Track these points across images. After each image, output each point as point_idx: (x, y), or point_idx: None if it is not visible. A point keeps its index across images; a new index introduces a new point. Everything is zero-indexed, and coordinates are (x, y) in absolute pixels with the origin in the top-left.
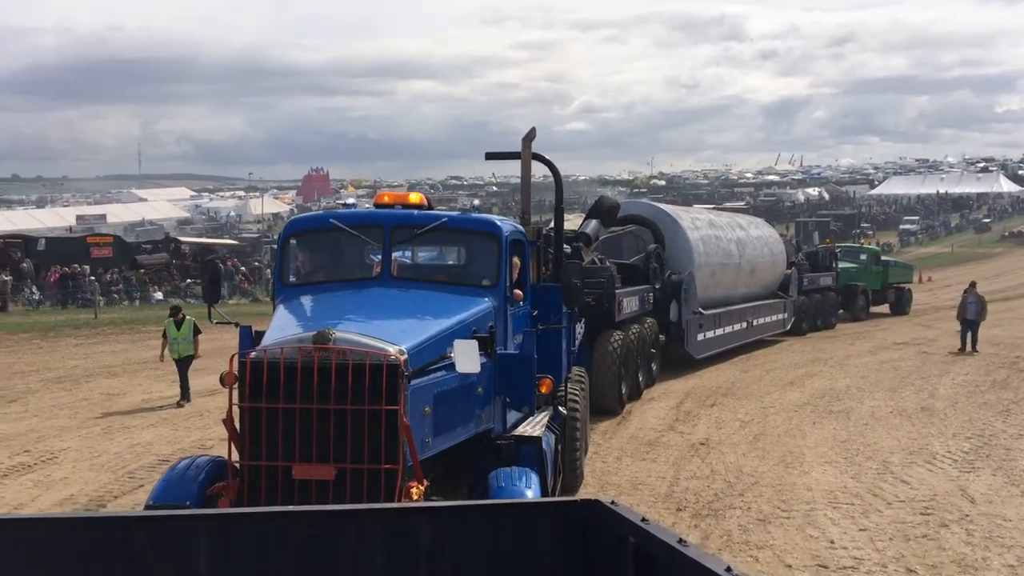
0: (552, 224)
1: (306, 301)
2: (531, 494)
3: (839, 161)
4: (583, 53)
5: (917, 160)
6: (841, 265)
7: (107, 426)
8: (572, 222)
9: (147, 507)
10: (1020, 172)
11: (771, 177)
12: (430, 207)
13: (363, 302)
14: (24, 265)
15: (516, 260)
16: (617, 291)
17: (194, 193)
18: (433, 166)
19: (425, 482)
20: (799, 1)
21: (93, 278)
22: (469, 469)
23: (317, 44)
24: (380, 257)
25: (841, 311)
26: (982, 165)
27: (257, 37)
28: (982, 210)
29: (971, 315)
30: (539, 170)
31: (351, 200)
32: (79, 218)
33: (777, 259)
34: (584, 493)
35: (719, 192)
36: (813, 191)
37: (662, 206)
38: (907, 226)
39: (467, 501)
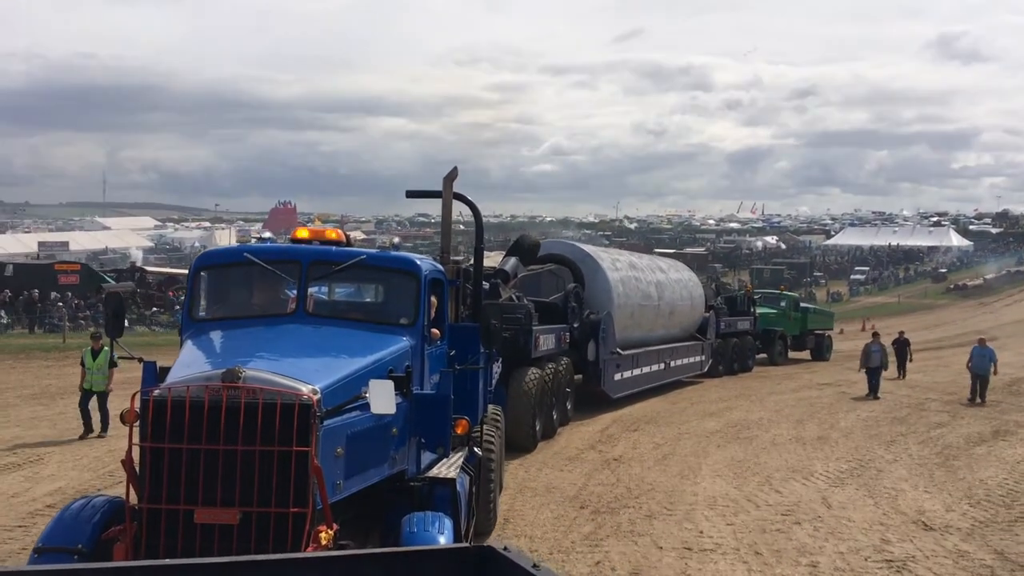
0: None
1: (215, 337)
2: (443, 539)
3: (798, 211)
4: (553, 97)
5: (874, 212)
6: (760, 310)
7: (114, 430)
8: (492, 259)
9: (36, 550)
10: (971, 228)
11: (732, 224)
12: (348, 243)
13: (276, 339)
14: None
15: (434, 299)
16: (534, 328)
17: (158, 223)
18: (402, 203)
19: (335, 526)
20: (764, 54)
21: (61, 304)
22: (382, 512)
23: (288, 78)
24: (295, 293)
25: (761, 355)
26: (935, 219)
27: (228, 69)
28: (931, 263)
29: (875, 363)
30: (510, 210)
31: (267, 234)
32: (41, 244)
33: (696, 302)
34: (505, 496)
35: (681, 237)
36: (771, 239)
37: (583, 246)
38: (857, 276)
39: (359, 549)
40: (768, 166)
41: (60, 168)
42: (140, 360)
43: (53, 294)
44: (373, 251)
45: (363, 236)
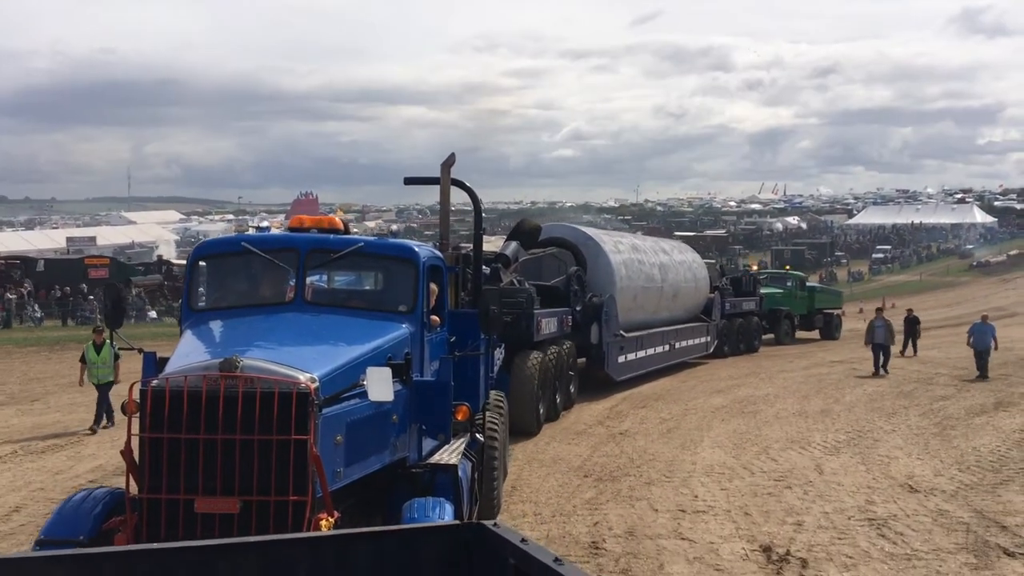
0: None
1: (214, 327)
2: None
3: (820, 191)
4: (573, 81)
5: (897, 191)
6: (766, 290)
7: (121, 420)
8: (493, 244)
9: (38, 542)
10: (996, 204)
11: (754, 206)
12: (347, 231)
13: (274, 328)
14: (25, 285)
15: (434, 286)
16: (536, 312)
17: (183, 216)
18: (422, 191)
19: (336, 514)
20: (785, 33)
21: (92, 297)
22: (384, 498)
23: (308, 69)
24: (294, 281)
25: (769, 335)
26: (959, 196)
27: (248, 61)
28: (954, 240)
29: (879, 339)
30: (530, 196)
31: (265, 223)
32: (69, 240)
33: (700, 284)
34: (513, 467)
35: (702, 220)
36: (792, 220)
37: (585, 229)
38: (879, 255)
39: (348, 530)
40: (790, 146)
41: (85, 164)
42: (140, 351)
43: (83, 287)
44: (371, 238)
45: (368, 224)
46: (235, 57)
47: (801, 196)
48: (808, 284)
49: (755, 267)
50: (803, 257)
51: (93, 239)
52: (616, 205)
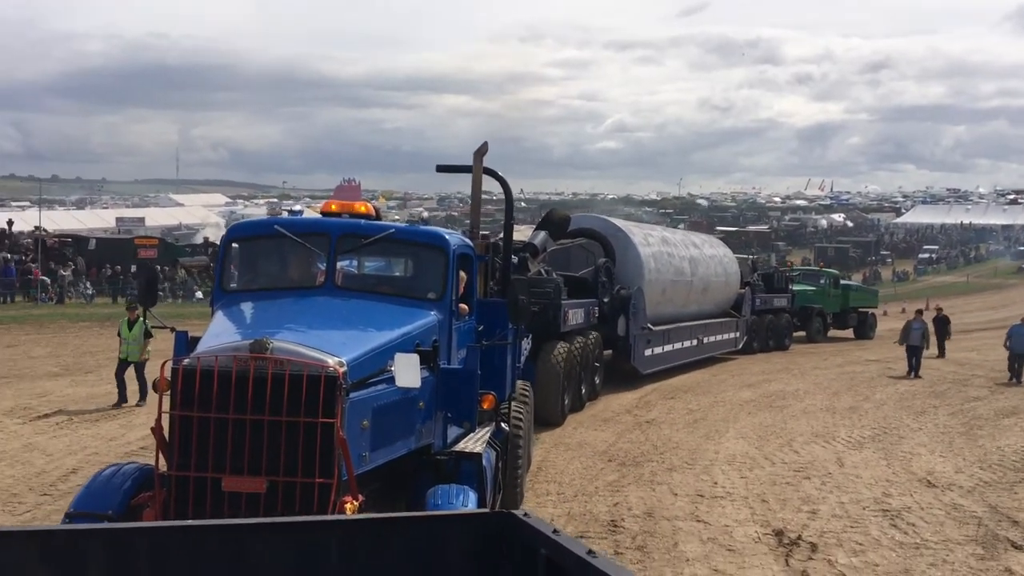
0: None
1: (245, 308)
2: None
3: (868, 188)
4: (617, 73)
5: (948, 190)
6: (798, 288)
7: (153, 398)
8: (522, 233)
9: (67, 515)
10: None
11: (799, 202)
12: (378, 217)
13: (304, 311)
14: (78, 262)
15: (463, 274)
16: (563, 302)
17: (229, 199)
18: (464, 180)
19: (360, 497)
20: (835, 27)
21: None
22: (408, 484)
23: (353, 56)
24: (324, 266)
25: (800, 333)
26: (1012, 197)
27: (295, 48)
28: (1004, 242)
29: (915, 341)
30: (572, 187)
31: (298, 207)
32: (119, 220)
33: (731, 278)
34: (539, 450)
35: (745, 215)
36: (838, 217)
37: (615, 221)
38: (925, 255)
39: (380, 515)
40: (840, 142)
41: (135, 145)
42: (172, 330)
43: (133, 267)
44: (402, 225)
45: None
46: (282, 43)
47: (848, 193)
48: (842, 282)
49: (789, 263)
50: (847, 255)
51: (142, 220)
52: (658, 198)
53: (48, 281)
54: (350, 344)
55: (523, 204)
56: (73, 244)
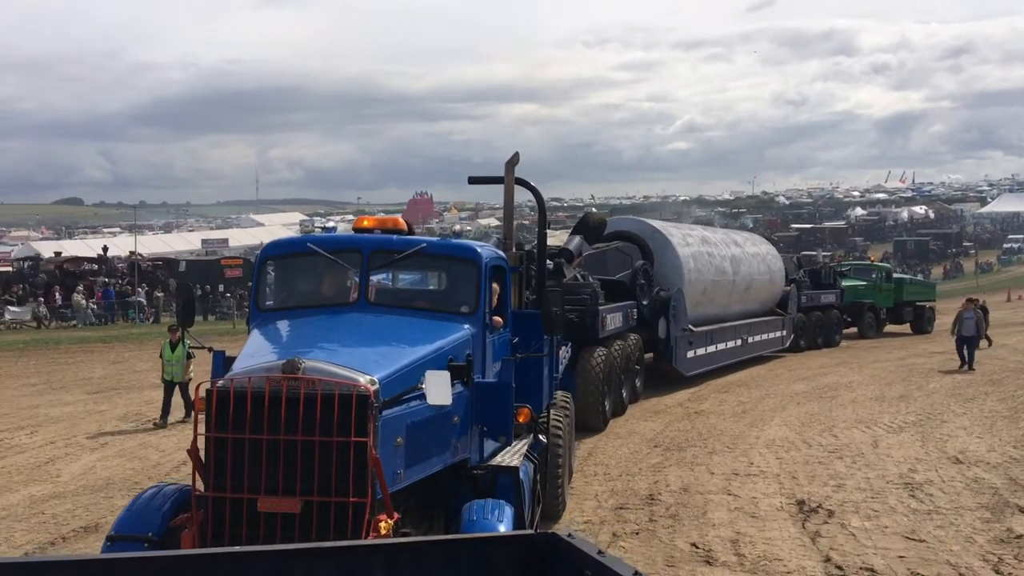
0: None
1: (279, 327)
2: (503, 527)
3: (951, 178)
4: (686, 72)
5: None
6: (848, 283)
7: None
8: (558, 238)
9: (109, 538)
10: None
11: (879, 195)
12: (411, 232)
13: (336, 329)
14: (169, 284)
15: (496, 286)
16: (600, 308)
17: (305, 217)
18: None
19: (396, 515)
20: (911, 13)
21: (228, 295)
22: (445, 500)
23: (420, 71)
24: (357, 282)
25: (851, 329)
26: None
27: (363, 66)
28: None
29: (968, 331)
30: (643, 190)
31: (331, 223)
32: (204, 242)
33: (775, 276)
34: (590, 439)
35: (822, 211)
36: (919, 209)
37: (652, 222)
38: (1011, 244)
39: (423, 536)
40: (921, 131)
41: (216, 169)
42: (210, 350)
43: (220, 287)
44: (434, 239)
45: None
46: (351, 62)
47: (931, 184)
48: (896, 276)
49: (840, 258)
50: (927, 248)
51: (225, 240)
52: (731, 197)
53: (144, 302)
54: (382, 361)
55: (594, 210)
56: (165, 266)
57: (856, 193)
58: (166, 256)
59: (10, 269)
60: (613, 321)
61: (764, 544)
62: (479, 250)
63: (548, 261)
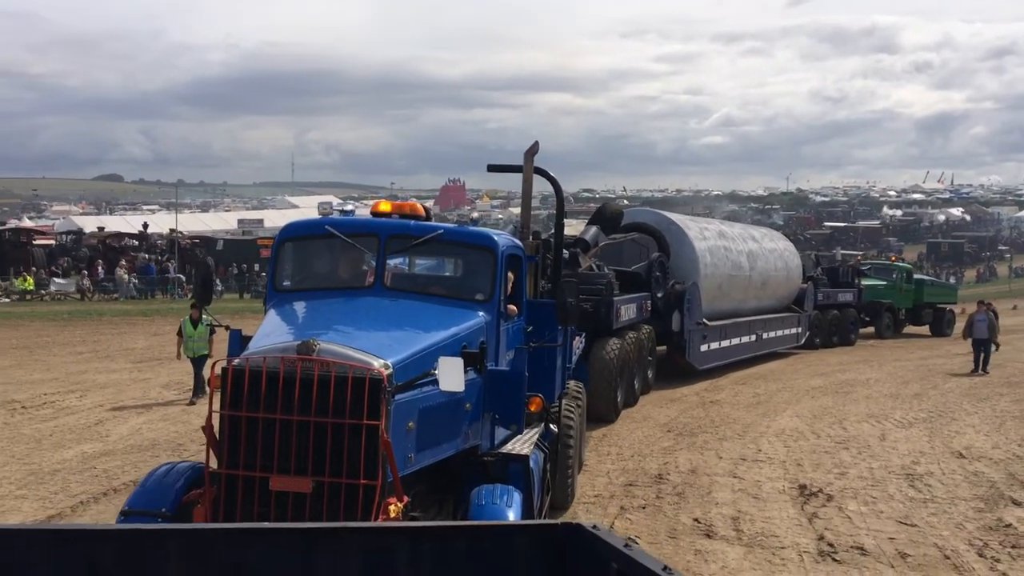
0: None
1: (296, 308)
2: (512, 513)
3: (990, 180)
4: (725, 66)
5: None
6: (868, 282)
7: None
8: (574, 228)
9: (123, 512)
10: None
11: (916, 196)
12: (428, 218)
13: (352, 312)
14: (207, 262)
15: (511, 275)
16: (615, 299)
17: (339, 200)
18: (566, 179)
19: (405, 498)
20: (956, 12)
21: (264, 274)
22: (455, 485)
23: (457, 57)
24: (374, 266)
25: (869, 328)
26: None
27: (400, 51)
28: None
29: (980, 334)
30: (676, 183)
31: (349, 207)
32: (240, 221)
33: (792, 273)
34: (604, 427)
35: (856, 210)
36: (955, 211)
37: (669, 215)
38: None
39: (447, 521)
40: (962, 132)
41: (253, 150)
42: (227, 328)
43: (256, 266)
44: (451, 226)
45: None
46: (389, 47)
47: (970, 186)
48: (916, 277)
49: (859, 258)
50: (962, 250)
51: (261, 221)
52: (765, 193)
53: (184, 279)
54: (396, 346)
55: (625, 202)
56: (203, 245)
57: (892, 193)
58: (203, 235)
59: (53, 242)
60: (627, 312)
61: (763, 522)
62: (496, 238)
63: (564, 251)
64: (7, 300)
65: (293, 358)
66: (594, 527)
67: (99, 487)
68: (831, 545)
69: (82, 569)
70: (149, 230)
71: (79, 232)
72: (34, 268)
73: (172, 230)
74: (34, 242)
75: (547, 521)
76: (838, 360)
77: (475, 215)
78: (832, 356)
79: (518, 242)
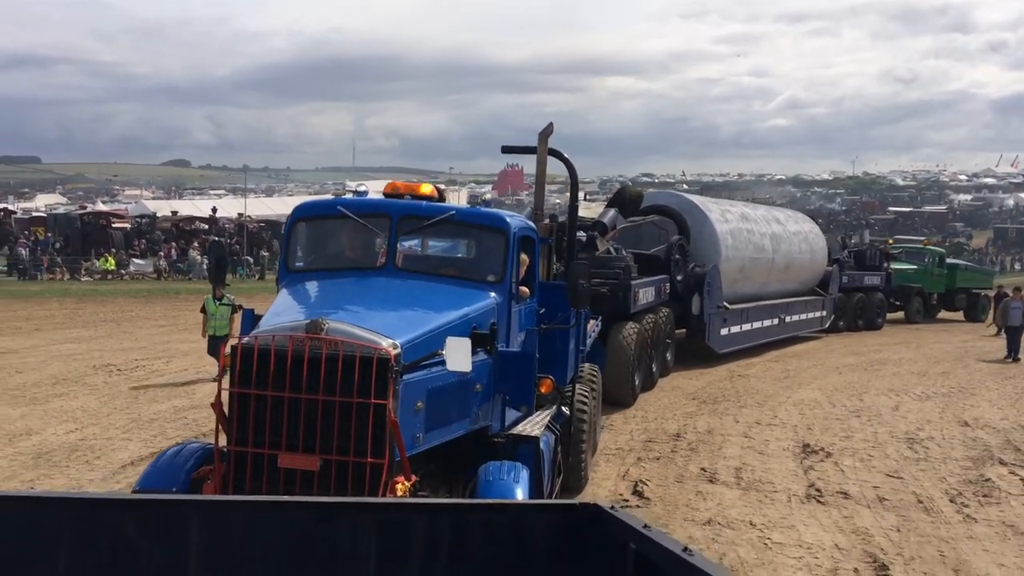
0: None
1: (307, 288)
2: (520, 489)
3: None
4: (789, 47)
5: None
6: (899, 266)
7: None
8: (593, 210)
9: (134, 492)
10: None
11: (987, 180)
12: (441, 199)
13: (363, 292)
14: (273, 245)
15: (524, 257)
16: (633, 282)
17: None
18: (626, 163)
19: (413, 478)
20: None
21: None
22: (465, 466)
23: (516, 41)
24: (385, 247)
25: (898, 313)
26: None
27: (459, 36)
28: None
29: (1014, 321)
30: (738, 167)
31: (363, 187)
32: None
33: (817, 255)
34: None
35: (924, 194)
36: None
37: (691, 197)
38: None
39: (462, 499)
40: None
41: (315, 136)
42: (240, 307)
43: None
44: (463, 207)
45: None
46: (448, 32)
47: None
48: (949, 262)
49: (890, 242)
50: None
51: None
52: (830, 177)
53: (251, 260)
54: (405, 326)
55: (685, 187)
56: (268, 228)
57: (963, 177)
58: (269, 219)
59: (128, 226)
60: (645, 295)
61: (762, 472)
62: (508, 219)
63: (580, 233)
64: (90, 279)
65: (302, 337)
66: (612, 507)
67: (191, 432)
68: (819, 491)
69: (106, 537)
70: (217, 214)
71: (153, 216)
72: (113, 249)
73: (240, 214)
74: (113, 225)
75: (566, 500)
76: (877, 341)
77: (487, 196)
78: (872, 337)
79: (531, 224)
